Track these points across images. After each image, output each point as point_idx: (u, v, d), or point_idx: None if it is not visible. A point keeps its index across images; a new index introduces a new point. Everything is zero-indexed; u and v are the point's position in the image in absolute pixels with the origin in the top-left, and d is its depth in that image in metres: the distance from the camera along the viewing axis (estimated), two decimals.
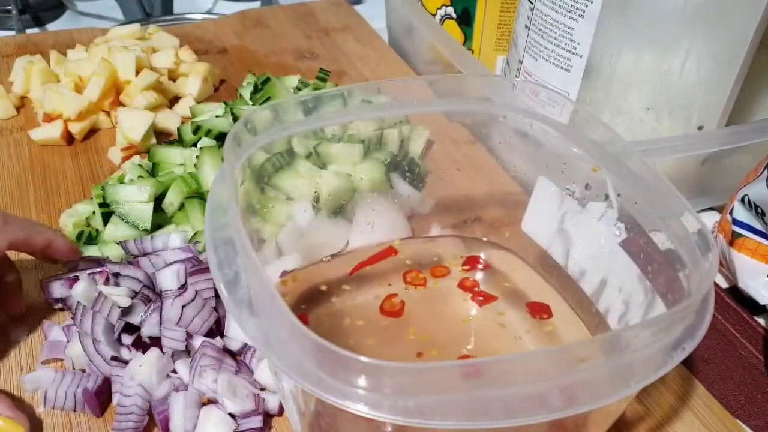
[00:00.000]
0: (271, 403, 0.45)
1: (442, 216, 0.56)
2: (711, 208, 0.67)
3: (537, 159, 0.51)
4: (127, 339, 0.47)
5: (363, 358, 0.29)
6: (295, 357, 0.31)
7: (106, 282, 0.48)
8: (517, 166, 0.54)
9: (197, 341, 0.46)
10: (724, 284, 0.59)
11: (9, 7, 0.95)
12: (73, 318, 0.47)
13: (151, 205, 0.57)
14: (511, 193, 0.55)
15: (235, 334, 0.47)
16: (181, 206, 0.58)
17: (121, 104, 0.72)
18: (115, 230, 0.56)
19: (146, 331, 0.46)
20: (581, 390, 0.32)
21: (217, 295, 0.48)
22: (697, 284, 0.37)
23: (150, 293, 0.47)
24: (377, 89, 0.54)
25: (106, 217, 0.56)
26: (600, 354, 0.33)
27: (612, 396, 0.33)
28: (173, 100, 0.75)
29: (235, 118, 0.64)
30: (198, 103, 0.74)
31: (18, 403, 0.44)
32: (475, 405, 0.31)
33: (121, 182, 0.59)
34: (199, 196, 0.58)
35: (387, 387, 0.30)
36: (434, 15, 0.83)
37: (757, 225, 0.55)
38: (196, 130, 0.64)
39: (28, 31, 0.95)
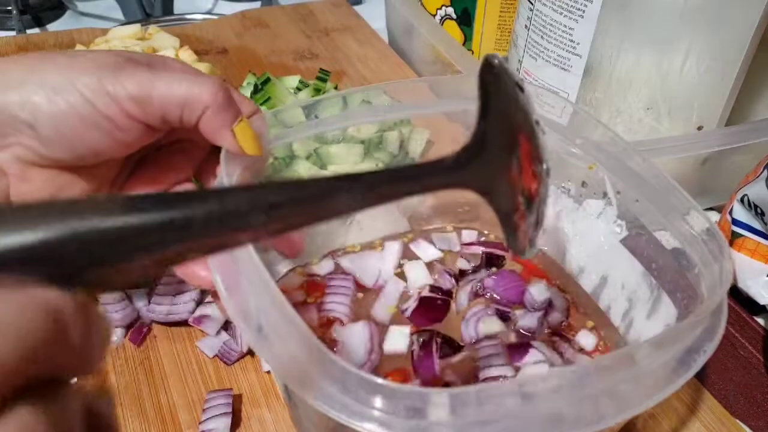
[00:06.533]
0: None
1: (441, 216, 0.56)
2: (711, 208, 0.67)
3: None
4: None
5: (379, 380, 0.29)
6: (314, 379, 0.30)
7: None
8: None
9: None
10: None
11: (9, 8, 0.95)
12: None
13: None
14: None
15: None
16: None
17: None
18: None
19: None
20: (615, 402, 0.32)
21: None
22: (711, 284, 0.37)
23: None
24: (381, 92, 0.53)
25: None
26: (628, 364, 0.32)
27: (644, 404, 0.32)
28: None
29: None
30: None
31: None
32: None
33: None
34: None
35: (402, 409, 0.29)
36: (434, 15, 0.83)
37: (757, 225, 0.55)
38: None
39: (29, 31, 0.96)
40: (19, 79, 0.36)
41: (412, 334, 0.47)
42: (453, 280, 0.51)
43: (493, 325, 0.47)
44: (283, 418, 0.45)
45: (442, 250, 0.54)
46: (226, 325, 0.50)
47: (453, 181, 0.32)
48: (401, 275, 0.52)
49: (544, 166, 0.31)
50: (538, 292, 0.49)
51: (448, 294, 0.50)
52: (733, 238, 0.56)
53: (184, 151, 0.43)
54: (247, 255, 0.34)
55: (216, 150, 0.41)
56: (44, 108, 0.35)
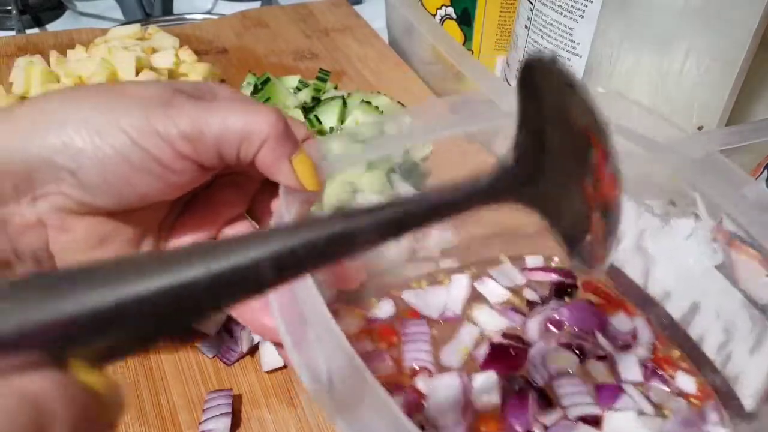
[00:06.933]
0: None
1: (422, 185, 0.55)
2: None
3: None
4: None
5: None
6: None
7: None
8: None
9: None
10: None
11: (9, 8, 0.95)
12: None
13: None
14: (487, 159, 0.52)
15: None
16: None
17: None
18: None
19: None
20: None
21: None
22: None
23: None
24: (406, 116, 0.48)
25: None
26: None
27: None
28: None
29: None
30: None
31: None
32: None
33: None
34: None
35: None
36: (434, 15, 0.83)
37: None
38: None
39: (28, 31, 0.95)
40: (59, 121, 0.32)
41: (501, 379, 0.43)
42: (522, 318, 0.48)
43: (563, 358, 0.44)
44: (283, 418, 0.45)
45: (508, 288, 0.51)
46: (226, 326, 0.49)
47: (493, 197, 0.29)
48: (470, 318, 0.49)
49: (617, 170, 0.28)
50: (620, 322, 0.46)
51: (522, 341, 0.46)
52: (732, 238, 0.56)
53: (235, 185, 0.39)
54: (314, 304, 0.31)
55: (270, 181, 0.37)
56: (88, 153, 0.31)
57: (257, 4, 1.07)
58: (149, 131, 0.32)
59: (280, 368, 0.48)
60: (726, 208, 0.41)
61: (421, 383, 0.43)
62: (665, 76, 0.58)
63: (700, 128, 0.62)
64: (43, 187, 0.33)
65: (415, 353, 0.45)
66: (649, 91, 0.59)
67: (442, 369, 0.45)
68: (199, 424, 0.44)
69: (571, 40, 0.59)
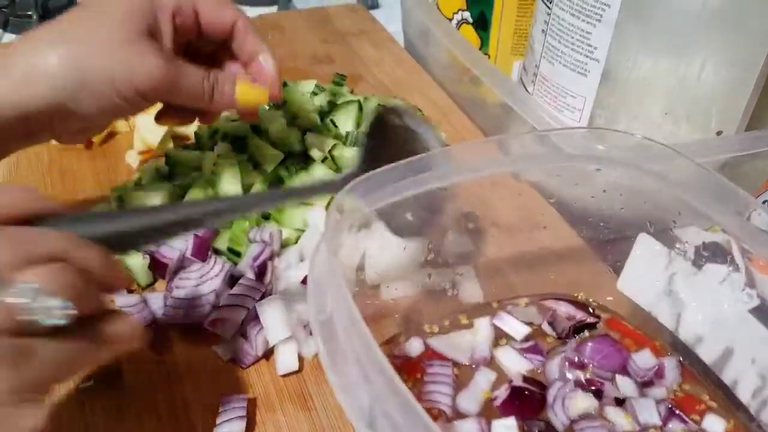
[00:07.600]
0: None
1: (456, 221, 0.56)
2: None
3: (638, 214, 0.48)
4: None
5: None
6: None
7: None
8: (609, 220, 0.51)
9: None
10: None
11: (29, 13, 0.96)
12: None
13: None
14: (525, 195, 0.53)
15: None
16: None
17: None
18: None
19: None
20: None
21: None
22: None
23: None
24: (448, 155, 0.47)
25: None
26: None
27: None
28: None
29: (252, 122, 0.64)
30: None
31: None
32: None
33: (137, 184, 0.60)
34: None
35: None
36: (450, 19, 0.83)
37: None
38: (213, 133, 0.64)
39: None
40: (51, 71, 0.43)
41: (520, 424, 0.42)
42: (542, 359, 0.48)
43: (583, 401, 0.44)
44: (297, 421, 0.45)
45: (527, 323, 0.50)
46: (242, 329, 0.50)
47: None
48: (493, 361, 0.48)
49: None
50: (643, 359, 0.46)
51: (543, 386, 0.46)
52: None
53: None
54: (367, 346, 0.31)
55: None
56: (82, 89, 0.43)
57: (275, 9, 1.08)
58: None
59: (295, 372, 0.48)
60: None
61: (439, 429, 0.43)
62: (683, 81, 0.58)
63: (719, 133, 0.61)
64: (39, 127, 0.41)
65: (437, 395, 0.45)
66: (666, 95, 0.59)
67: (458, 414, 0.44)
68: (215, 427, 0.44)
69: (589, 45, 0.59)
